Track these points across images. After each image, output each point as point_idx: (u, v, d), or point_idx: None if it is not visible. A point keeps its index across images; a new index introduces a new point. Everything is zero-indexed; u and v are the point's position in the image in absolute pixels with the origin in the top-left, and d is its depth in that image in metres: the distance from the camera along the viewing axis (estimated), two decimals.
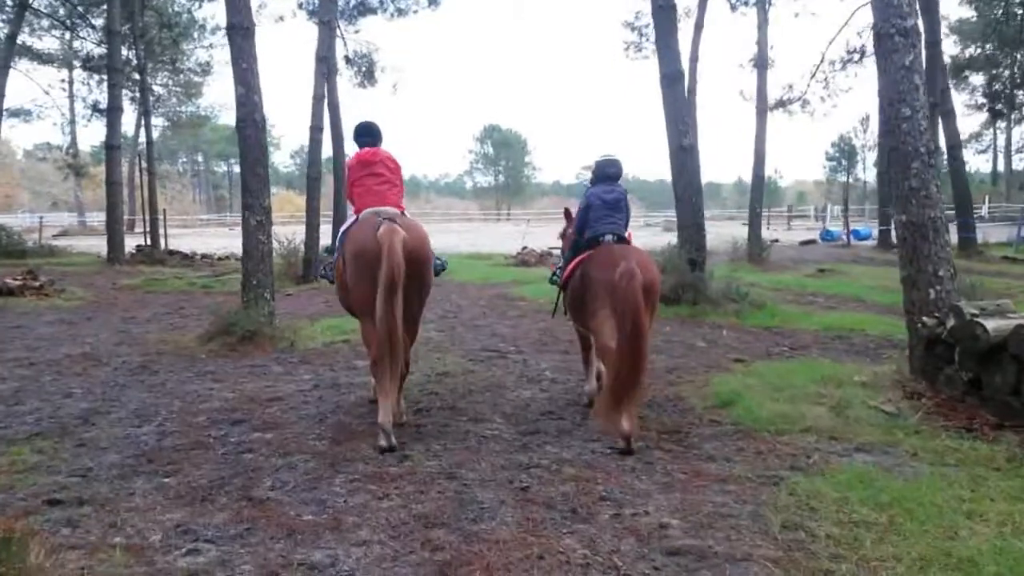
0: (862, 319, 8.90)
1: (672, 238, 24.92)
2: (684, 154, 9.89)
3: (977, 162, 60.53)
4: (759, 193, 18.43)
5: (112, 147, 17.33)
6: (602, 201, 5.22)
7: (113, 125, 17.54)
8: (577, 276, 5.11)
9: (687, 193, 9.97)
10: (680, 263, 9.52)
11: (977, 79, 60.48)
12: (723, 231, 24.88)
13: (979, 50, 36.37)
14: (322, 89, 13.95)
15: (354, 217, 5.11)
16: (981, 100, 62.30)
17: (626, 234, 5.29)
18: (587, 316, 4.90)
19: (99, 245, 21.23)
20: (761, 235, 17.93)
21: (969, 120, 69.35)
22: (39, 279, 12.28)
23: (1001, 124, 54.73)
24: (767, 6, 17.84)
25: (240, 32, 7.80)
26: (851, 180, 76.79)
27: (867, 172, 75.06)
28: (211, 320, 7.97)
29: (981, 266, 16.09)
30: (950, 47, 35.19)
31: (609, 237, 5.11)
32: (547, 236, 19.50)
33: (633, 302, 4.35)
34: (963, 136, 57.56)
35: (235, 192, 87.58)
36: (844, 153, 74.74)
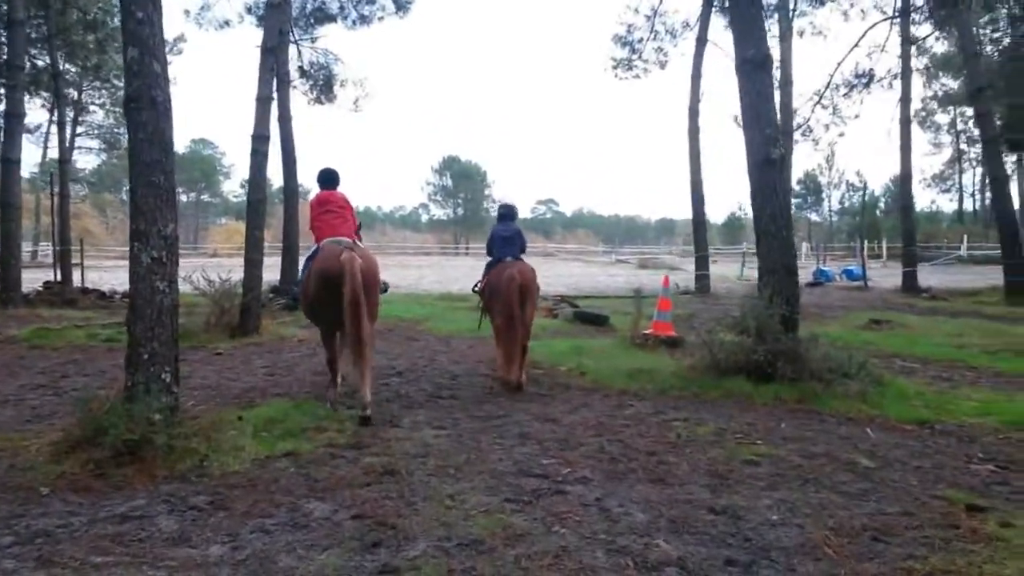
0: None
1: (646, 276, 22.48)
2: (771, 170, 7.11)
3: (941, 201, 60.95)
4: None
5: (9, 160, 14.00)
6: (501, 236, 7.80)
7: (12, 134, 14.24)
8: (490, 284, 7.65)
9: (775, 225, 7.13)
10: (771, 323, 6.73)
11: (943, 117, 60.86)
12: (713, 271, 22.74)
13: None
14: (268, 89, 11.02)
15: (315, 246, 6.49)
16: (946, 138, 63.21)
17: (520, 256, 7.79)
18: (493, 308, 7.50)
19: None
20: None
21: (931, 159, 70.08)
22: None
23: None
24: (791, 13, 15.44)
25: None
26: (817, 217, 76.60)
27: (831, 210, 74.93)
28: (75, 418, 4.94)
29: None
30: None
31: (509, 258, 7.59)
32: None
33: (509, 296, 7.06)
34: (925, 175, 58.17)
35: (188, 220, 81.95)
36: (810, 190, 74.22)
